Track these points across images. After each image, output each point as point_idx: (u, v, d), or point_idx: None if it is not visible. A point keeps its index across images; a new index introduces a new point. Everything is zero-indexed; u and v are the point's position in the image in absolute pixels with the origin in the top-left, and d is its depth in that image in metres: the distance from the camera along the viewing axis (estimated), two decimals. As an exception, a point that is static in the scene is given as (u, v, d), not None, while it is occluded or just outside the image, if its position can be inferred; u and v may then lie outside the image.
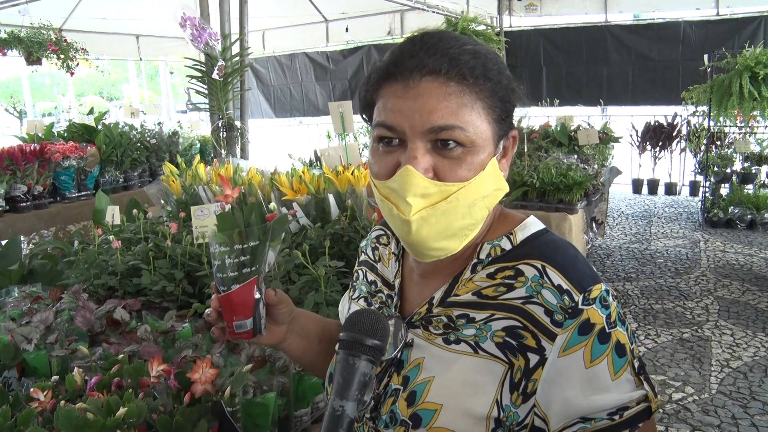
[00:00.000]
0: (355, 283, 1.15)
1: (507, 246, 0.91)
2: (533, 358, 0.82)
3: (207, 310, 1.00)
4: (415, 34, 0.90)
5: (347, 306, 1.15)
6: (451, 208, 0.84)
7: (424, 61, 0.83)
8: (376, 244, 1.12)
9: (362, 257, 1.16)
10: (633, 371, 0.82)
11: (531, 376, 0.82)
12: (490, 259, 0.91)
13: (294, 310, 1.08)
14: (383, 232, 1.12)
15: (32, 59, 6.25)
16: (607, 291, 0.84)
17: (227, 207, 0.96)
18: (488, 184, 0.87)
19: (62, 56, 6.40)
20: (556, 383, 0.81)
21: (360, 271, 1.14)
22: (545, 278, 0.84)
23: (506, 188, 0.91)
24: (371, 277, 1.10)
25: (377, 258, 1.11)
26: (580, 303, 0.81)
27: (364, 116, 0.93)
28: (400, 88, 0.84)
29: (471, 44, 0.86)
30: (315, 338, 1.13)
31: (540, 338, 0.82)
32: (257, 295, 0.96)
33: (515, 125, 0.93)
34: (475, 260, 0.92)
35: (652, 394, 0.82)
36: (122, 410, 1.08)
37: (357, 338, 0.82)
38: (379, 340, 0.83)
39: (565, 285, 0.83)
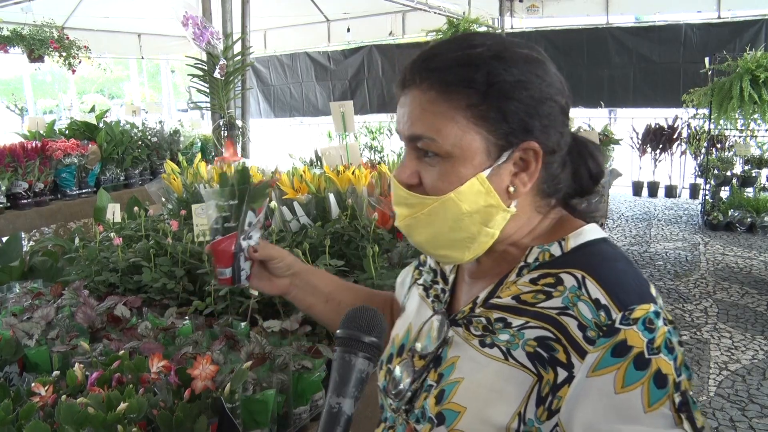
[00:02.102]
0: (421, 267, 1.13)
1: (557, 252, 0.86)
2: (561, 374, 0.77)
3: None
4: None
5: (408, 284, 1.15)
6: (432, 220, 0.86)
7: (410, 72, 0.86)
8: None
9: None
10: (673, 406, 0.73)
11: (557, 392, 0.77)
12: (537, 263, 0.87)
13: (294, 266, 1.19)
14: None
15: (34, 56, 6.26)
16: (657, 313, 0.77)
17: (224, 166, 1.12)
18: (472, 200, 0.84)
19: (64, 54, 6.41)
20: (581, 404, 0.75)
21: (428, 257, 1.13)
22: (583, 290, 0.79)
23: (501, 206, 0.85)
24: (434, 265, 1.09)
25: None
26: (617, 321, 0.75)
27: None
28: (402, 96, 0.88)
29: (471, 48, 0.83)
30: (322, 297, 1.22)
31: (570, 353, 0.77)
32: (235, 249, 1.11)
33: (542, 136, 0.84)
34: (522, 263, 0.88)
35: None
36: (123, 405, 1.09)
37: (354, 335, 0.82)
38: (376, 338, 0.82)
39: (604, 300, 0.77)
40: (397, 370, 0.97)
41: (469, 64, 0.82)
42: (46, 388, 1.19)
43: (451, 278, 1.02)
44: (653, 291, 0.80)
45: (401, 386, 0.95)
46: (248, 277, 1.16)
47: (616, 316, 0.76)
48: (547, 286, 0.83)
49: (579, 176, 0.94)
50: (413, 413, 0.91)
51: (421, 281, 1.10)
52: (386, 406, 1.00)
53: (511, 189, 0.85)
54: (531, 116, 0.83)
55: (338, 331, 0.84)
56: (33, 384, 1.20)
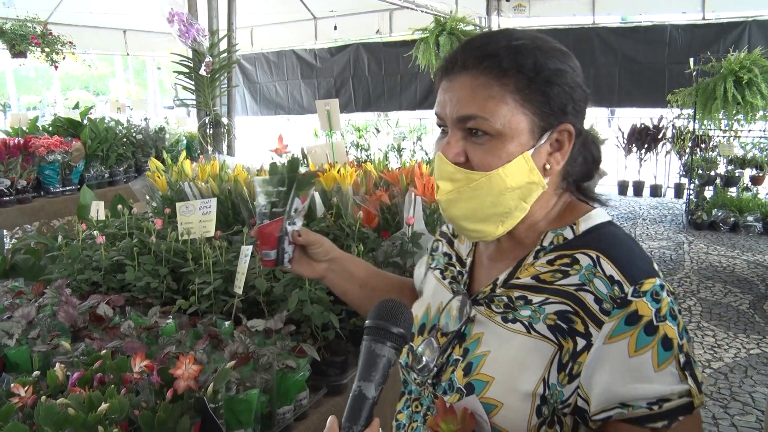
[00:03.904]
0: (434, 253, 1.23)
1: (569, 235, 0.96)
2: (580, 342, 0.87)
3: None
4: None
5: (424, 270, 1.26)
6: (475, 194, 0.93)
7: (460, 58, 0.93)
8: None
9: (443, 228, 1.23)
10: (678, 365, 0.83)
11: (577, 359, 0.87)
12: (552, 246, 0.96)
13: (332, 252, 1.29)
14: None
15: (15, 52, 6.18)
16: (662, 286, 0.86)
17: (276, 157, 1.27)
18: (517, 177, 0.92)
19: (47, 49, 6.33)
20: (599, 368, 0.85)
21: (439, 243, 1.22)
22: (598, 268, 0.88)
23: (541, 183, 0.94)
24: (448, 250, 1.18)
25: (456, 234, 1.18)
26: (629, 294, 0.85)
27: None
28: (445, 82, 0.95)
29: (516, 40, 0.92)
30: (356, 283, 1.32)
31: (588, 324, 0.86)
32: (280, 232, 1.20)
33: (573, 119, 0.95)
34: (538, 247, 0.97)
35: (696, 390, 0.83)
36: (104, 406, 1.08)
37: (382, 325, 0.87)
38: (403, 328, 0.88)
39: (617, 276, 0.86)
40: (420, 348, 1.05)
41: (519, 52, 0.91)
42: (25, 388, 1.17)
43: (468, 261, 1.11)
44: (656, 266, 0.90)
45: (424, 362, 1.03)
46: (291, 260, 1.25)
47: (628, 289, 0.85)
48: (564, 266, 0.92)
49: (586, 160, 1.03)
50: (440, 386, 1.00)
51: (434, 265, 1.20)
52: (410, 380, 1.10)
53: (547, 167, 0.94)
54: (567, 101, 0.93)
55: (367, 321, 0.90)
56: (12, 384, 1.18)
